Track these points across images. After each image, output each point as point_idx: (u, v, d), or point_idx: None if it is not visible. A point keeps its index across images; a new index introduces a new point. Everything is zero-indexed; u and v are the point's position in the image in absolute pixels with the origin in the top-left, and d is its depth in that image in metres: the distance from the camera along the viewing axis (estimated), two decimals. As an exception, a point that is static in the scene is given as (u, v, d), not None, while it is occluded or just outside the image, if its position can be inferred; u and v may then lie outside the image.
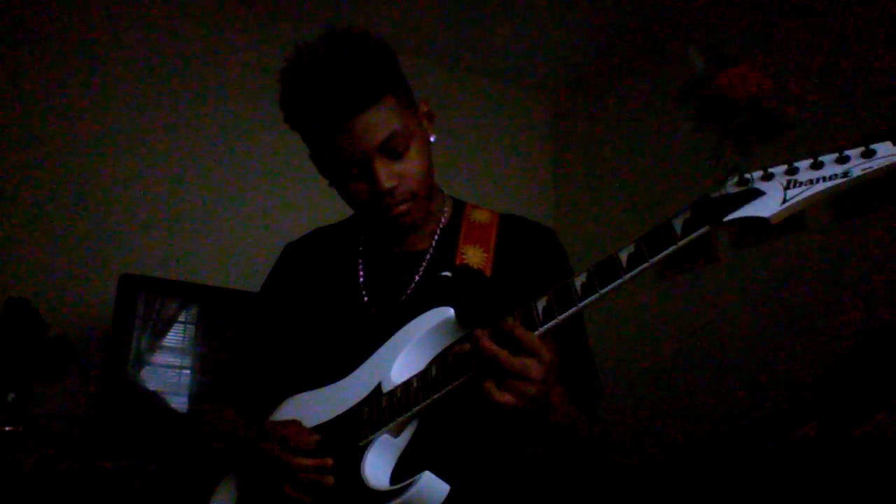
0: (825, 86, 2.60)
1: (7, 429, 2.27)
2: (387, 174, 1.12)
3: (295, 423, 1.12)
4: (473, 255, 1.21)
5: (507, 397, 0.92)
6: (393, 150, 1.12)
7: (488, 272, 1.19)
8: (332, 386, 1.18)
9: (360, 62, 1.09)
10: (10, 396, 2.34)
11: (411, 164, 1.14)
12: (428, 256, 1.24)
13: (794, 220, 0.86)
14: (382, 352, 1.14)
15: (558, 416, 1.01)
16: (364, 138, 1.10)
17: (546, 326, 0.94)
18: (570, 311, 0.93)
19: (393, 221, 1.17)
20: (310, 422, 1.14)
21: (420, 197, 1.18)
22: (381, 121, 1.10)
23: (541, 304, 0.96)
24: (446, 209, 1.30)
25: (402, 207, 1.15)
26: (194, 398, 2.60)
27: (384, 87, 1.11)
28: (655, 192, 3.29)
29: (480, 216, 1.28)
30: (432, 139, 1.21)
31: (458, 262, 1.21)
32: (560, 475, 1.19)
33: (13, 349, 2.40)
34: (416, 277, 1.22)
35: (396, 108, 1.13)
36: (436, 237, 1.26)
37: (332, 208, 1.61)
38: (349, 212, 1.40)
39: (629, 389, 3.13)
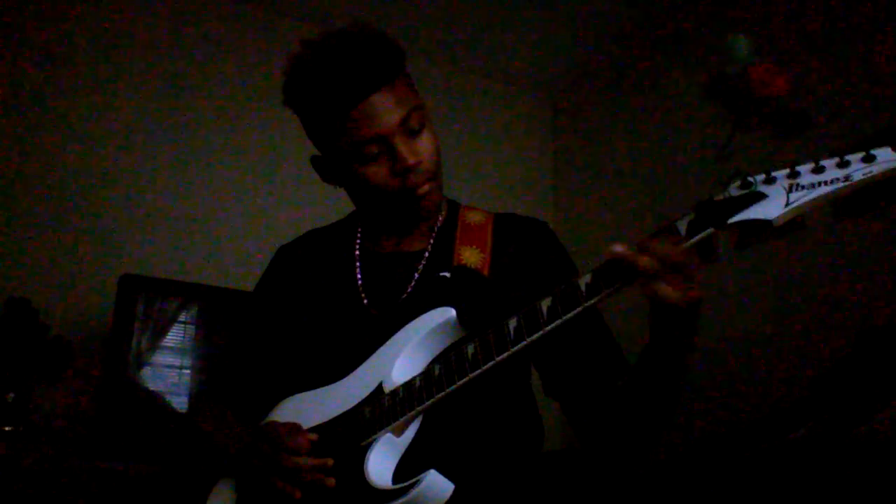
0: (824, 86, 2.60)
1: (7, 429, 2.27)
2: (409, 150, 1.13)
3: (291, 425, 1.12)
4: (470, 256, 1.22)
5: (672, 292, 0.88)
6: (411, 127, 1.14)
7: (486, 272, 1.20)
8: (331, 386, 1.18)
9: (376, 43, 1.13)
10: (10, 396, 2.34)
11: (427, 143, 1.16)
12: (426, 255, 1.24)
13: (793, 221, 0.88)
14: (383, 352, 1.14)
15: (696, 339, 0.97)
16: (385, 114, 1.11)
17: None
18: (576, 311, 0.94)
19: (417, 202, 1.17)
20: (308, 422, 1.14)
21: (438, 178, 1.19)
22: (400, 97, 1.13)
23: (545, 304, 0.96)
24: (442, 209, 1.30)
25: (426, 187, 1.16)
26: (194, 398, 2.60)
27: (400, 67, 1.15)
28: (656, 192, 3.29)
29: (475, 217, 1.29)
30: None
31: (455, 263, 1.21)
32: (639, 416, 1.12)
33: (13, 349, 2.40)
34: (416, 276, 1.22)
35: (411, 89, 1.16)
36: (432, 237, 1.26)
37: (331, 209, 1.61)
38: (348, 212, 1.40)
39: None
